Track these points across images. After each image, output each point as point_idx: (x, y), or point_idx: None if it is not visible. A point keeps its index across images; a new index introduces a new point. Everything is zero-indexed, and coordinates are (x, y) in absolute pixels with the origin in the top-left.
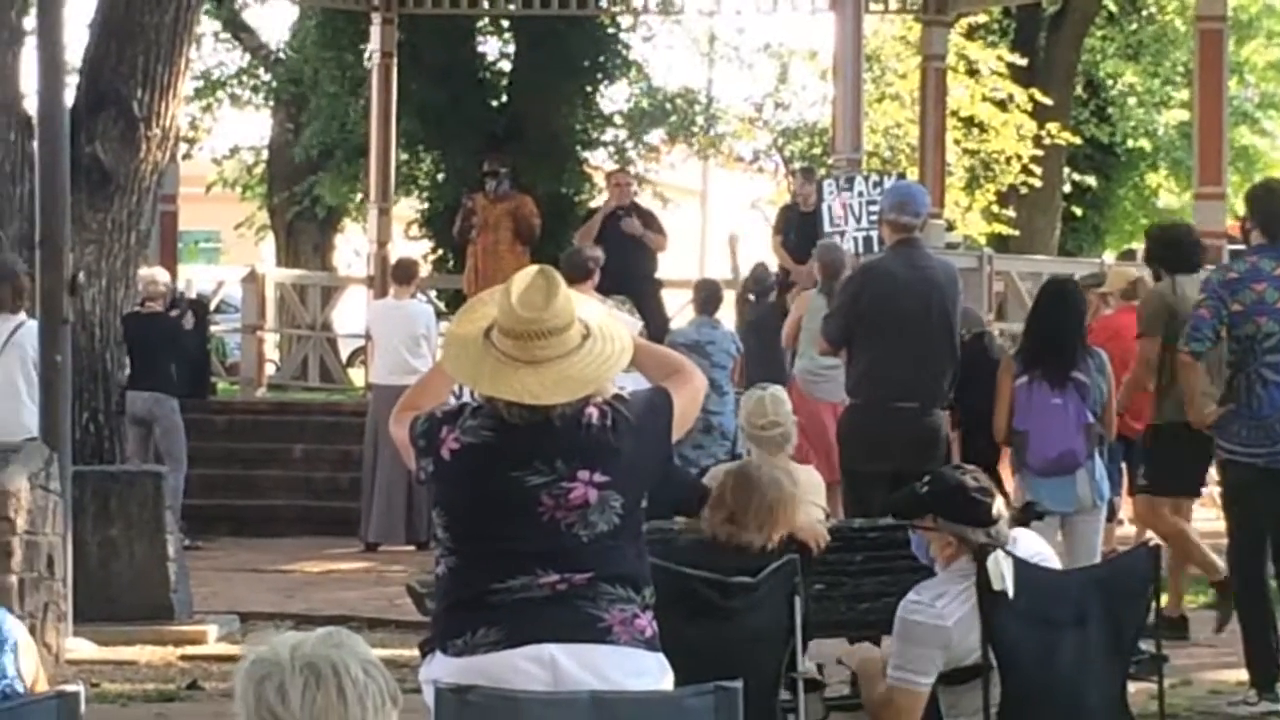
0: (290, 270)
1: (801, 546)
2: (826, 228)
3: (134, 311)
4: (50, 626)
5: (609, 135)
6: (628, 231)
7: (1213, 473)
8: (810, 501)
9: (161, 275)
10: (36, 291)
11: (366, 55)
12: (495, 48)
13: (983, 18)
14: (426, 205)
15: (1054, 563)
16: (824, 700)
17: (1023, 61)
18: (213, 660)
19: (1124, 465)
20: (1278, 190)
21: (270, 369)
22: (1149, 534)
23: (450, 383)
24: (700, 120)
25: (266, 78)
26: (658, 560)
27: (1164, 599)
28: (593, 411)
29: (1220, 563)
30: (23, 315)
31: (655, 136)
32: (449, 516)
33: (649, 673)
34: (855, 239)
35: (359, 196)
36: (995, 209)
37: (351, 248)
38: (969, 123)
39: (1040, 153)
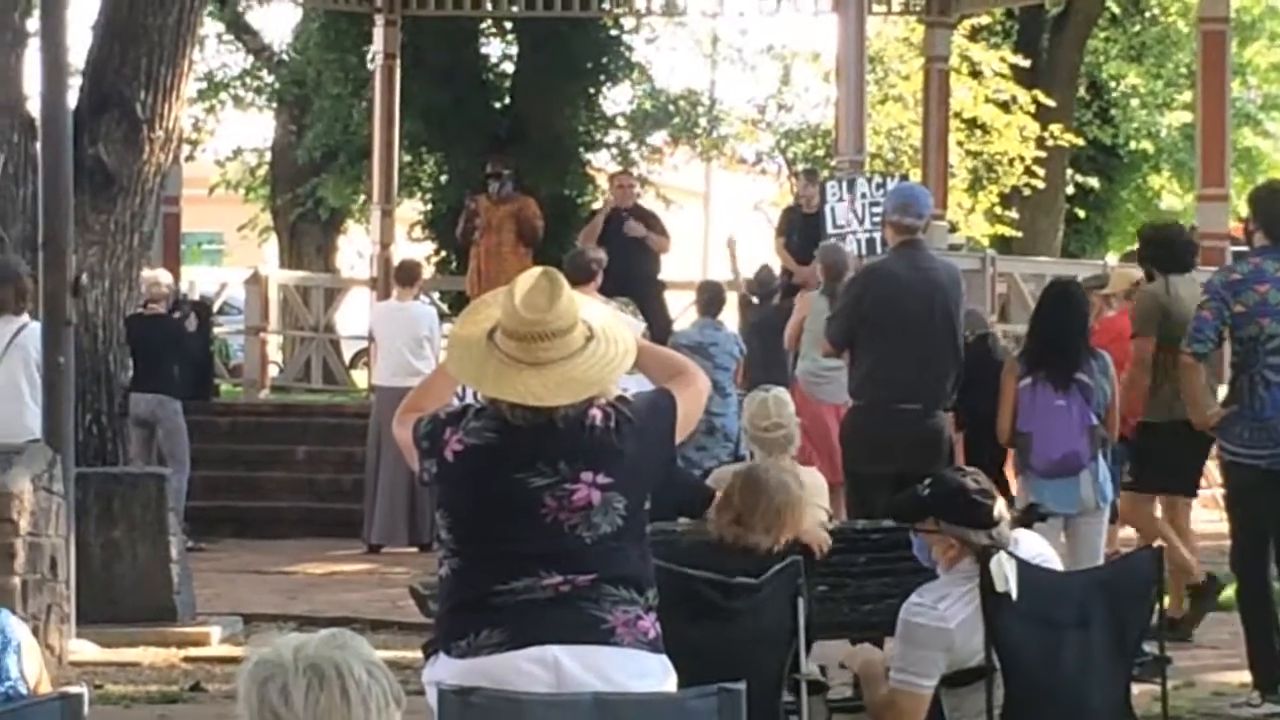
0: (293, 272)
1: (804, 549)
2: (829, 229)
3: (137, 313)
4: (53, 628)
5: (612, 137)
6: (630, 233)
7: (1215, 474)
8: (813, 503)
9: (164, 277)
10: (39, 293)
11: (369, 57)
12: (498, 49)
13: (986, 19)
14: (429, 207)
15: (1056, 564)
16: (827, 702)
17: (1026, 63)
18: (216, 662)
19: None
20: None
21: (273, 371)
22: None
23: (453, 384)
24: (703, 122)
25: (269, 79)
26: (661, 561)
27: (1166, 600)
28: (596, 413)
29: (1197, 566)
30: (26, 317)
31: (658, 138)
32: (452, 518)
33: (652, 674)
34: (858, 241)
35: (362, 198)
36: (998, 210)
37: (354, 249)
38: (972, 124)
39: (1043, 154)
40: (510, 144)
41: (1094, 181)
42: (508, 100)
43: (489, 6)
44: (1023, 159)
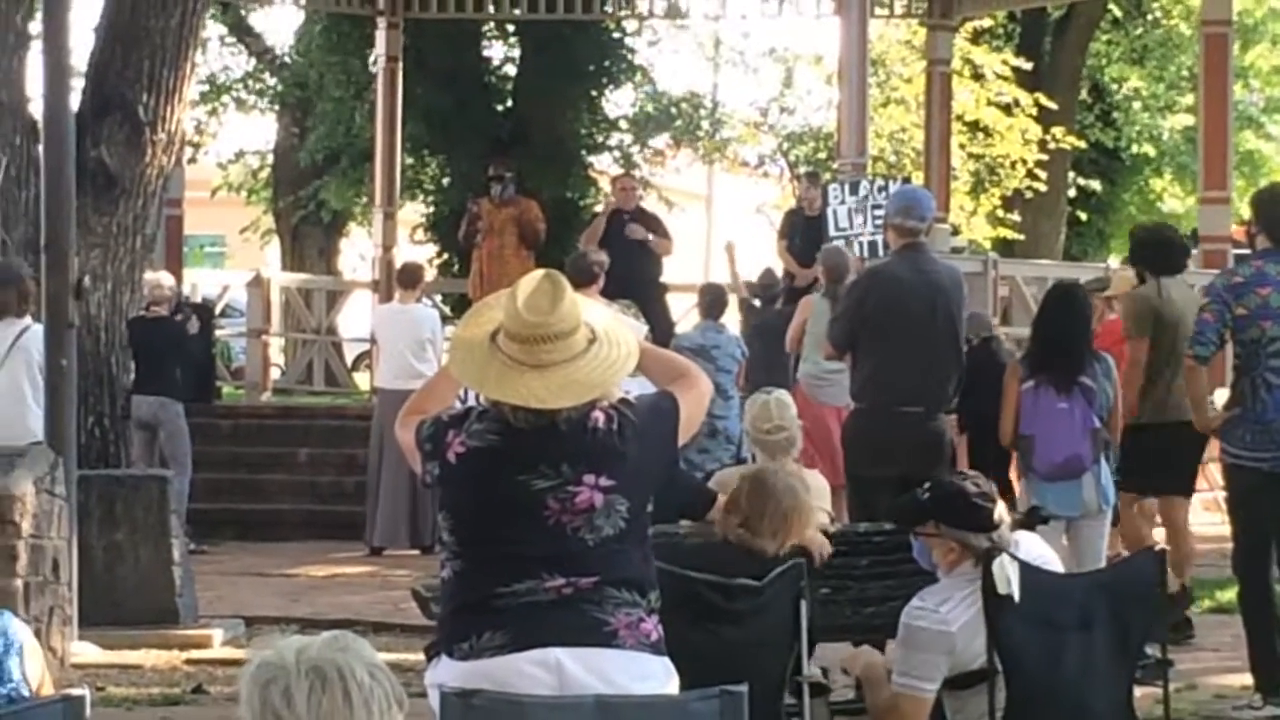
0: (295, 274)
1: (803, 553)
2: (831, 232)
3: (139, 316)
4: (55, 630)
5: (614, 140)
6: (632, 236)
7: (1217, 476)
8: (816, 506)
9: (166, 279)
10: (42, 295)
11: (372, 60)
12: (500, 52)
13: (988, 22)
14: (432, 209)
15: (1056, 566)
16: (829, 705)
17: (1028, 66)
18: (218, 664)
19: None
20: None
21: (275, 373)
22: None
23: (456, 386)
24: (705, 125)
25: (272, 82)
26: (663, 564)
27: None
28: (599, 415)
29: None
30: (28, 319)
31: (660, 141)
32: (454, 520)
33: (654, 677)
34: (860, 243)
35: (364, 201)
36: (1000, 213)
37: (356, 252)
38: (974, 127)
39: (1045, 157)
40: (512, 146)
41: (1096, 184)
42: (510, 103)
43: (491, 9)
44: (1024, 162)
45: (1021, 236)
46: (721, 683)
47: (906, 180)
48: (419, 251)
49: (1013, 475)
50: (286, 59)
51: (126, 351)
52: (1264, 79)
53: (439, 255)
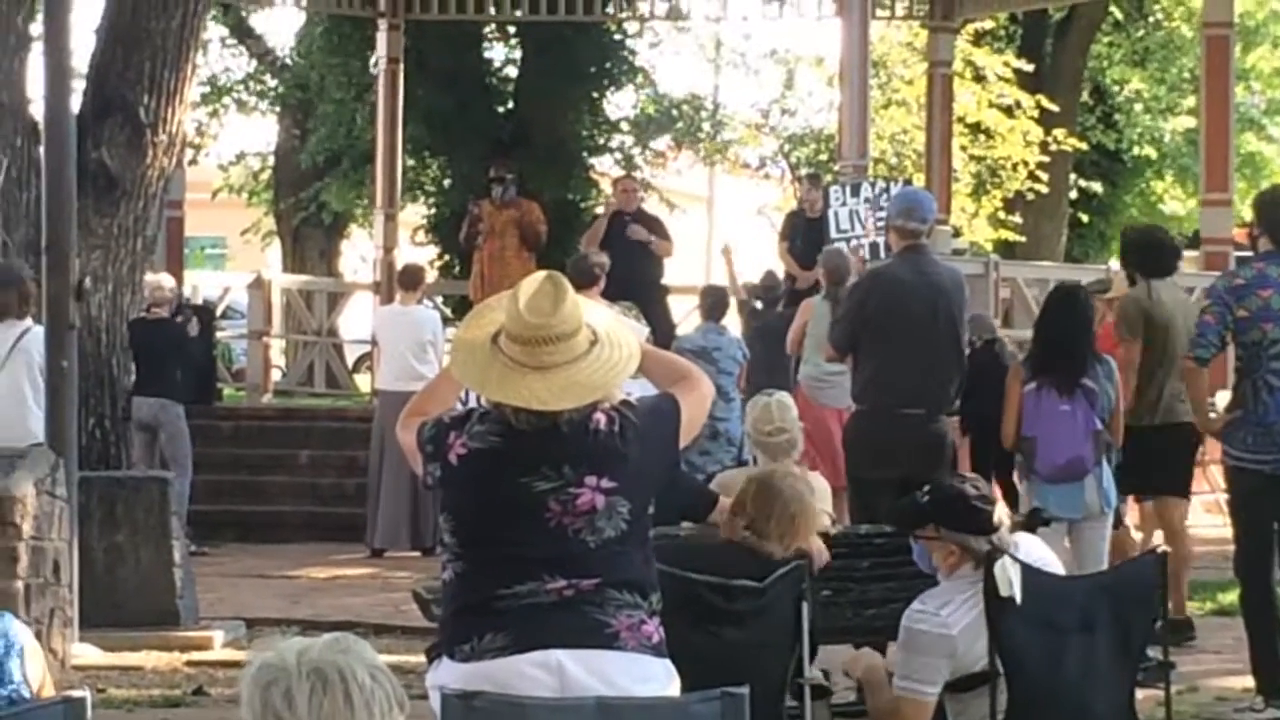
0: (296, 276)
1: (803, 555)
2: (832, 234)
3: (140, 317)
4: (56, 632)
5: (615, 141)
6: (633, 238)
7: (1218, 478)
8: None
9: (167, 281)
10: (43, 297)
11: (373, 61)
12: (502, 54)
13: (989, 24)
14: (433, 211)
15: (1057, 568)
16: (830, 707)
17: (1029, 67)
18: (218, 666)
19: None
20: None
21: (276, 375)
22: (1155, 540)
23: (457, 388)
24: (706, 126)
25: (273, 83)
26: (664, 566)
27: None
28: (600, 417)
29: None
30: (29, 321)
31: (661, 143)
32: (456, 521)
33: (656, 678)
34: (862, 245)
35: (365, 202)
36: (1001, 215)
37: (358, 254)
38: (975, 129)
39: (1046, 159)
40: (513, 148)
41: (1097, 186)
42: (511, 105)
43: (492, 11)
44: (1026, 164)
45: (1023, 238)
46: (723, 685)
47: (908, 182)
48: (420, 253)
49: (1015, 477)
50: (287, 60)
51: (127, 353)
52: (1265, 81)
53: (440, 257)
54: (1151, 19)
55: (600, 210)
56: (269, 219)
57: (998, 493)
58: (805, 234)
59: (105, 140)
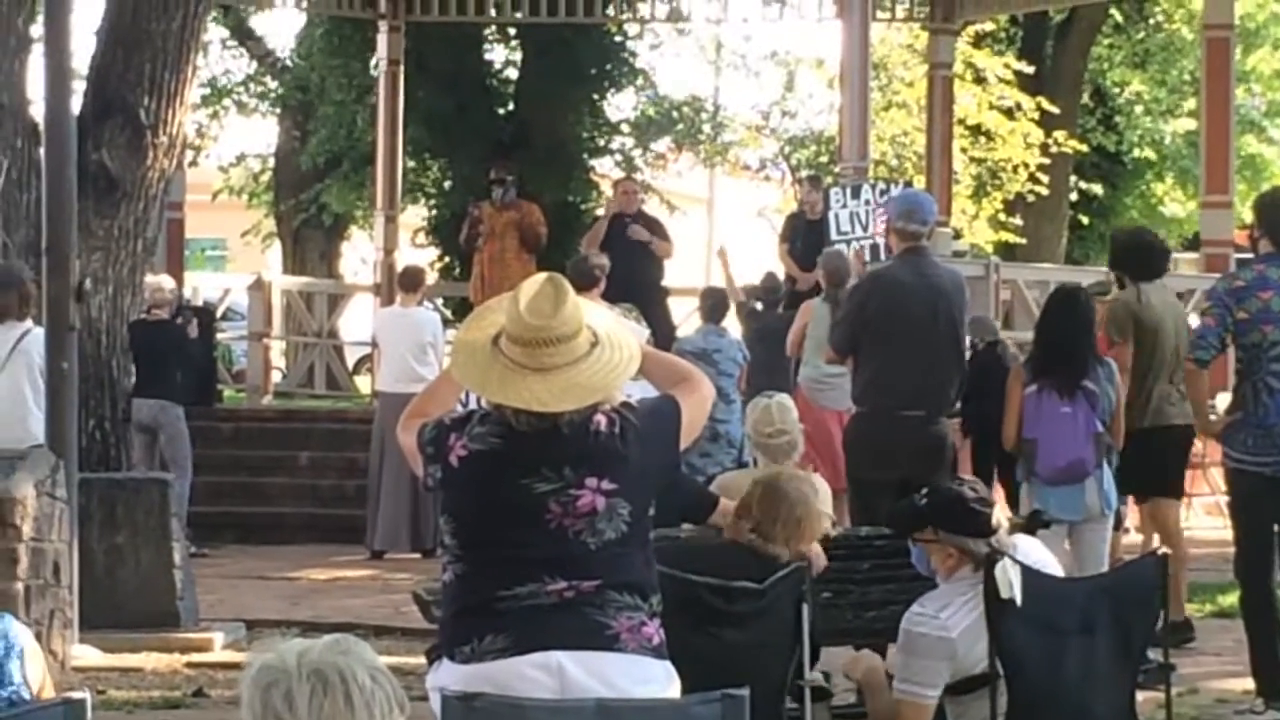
0: (297, 278)
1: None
2: (833, 236)
3: (140, 319)
4: (56, 633)
5: (616, 143)
6: (634, 238)
7: (1219, 480)
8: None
9: (167, 283)
10: (43, 298)
11: (373, 63)
12: (502, 55)
13: (990, 26)
14: (433, 213)
15: (1056, 570)
16: (830, 709)
17: (1030, 69)
18: (219, 668)
19: None
20: None
21: (276, 376)
22: (1155, 542)
23: (458, 390)
24: (707, 128)
25: (273, 85)
26: (664, 567)
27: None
28: (601, 419)
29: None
30: (29, 322)
31: (662, 144)
32: (456, 523)
33: (656, 680)
34: (864, 245)
35: (365, 204)
36: (1002, 217)
37: (358, 255)
38: (976, 131)
39: (1047, 161)
40: (514, 150)
41: (1098, 188)
42: (511, 106)
43: (493, 12)
44: (1026, 165)
45: (1023, 240)
46: (723, 686)
47: (908, 184)
48: (420, 255)
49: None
50: (288, 62)
51: (127, 355)
52: (1266, 83)
53: (440, 259)
54: (1152, 21)
55: (600, 212)
56: (269, 221)
57: (1000, 494)
58: (805, 236)
59: (106, 142)
